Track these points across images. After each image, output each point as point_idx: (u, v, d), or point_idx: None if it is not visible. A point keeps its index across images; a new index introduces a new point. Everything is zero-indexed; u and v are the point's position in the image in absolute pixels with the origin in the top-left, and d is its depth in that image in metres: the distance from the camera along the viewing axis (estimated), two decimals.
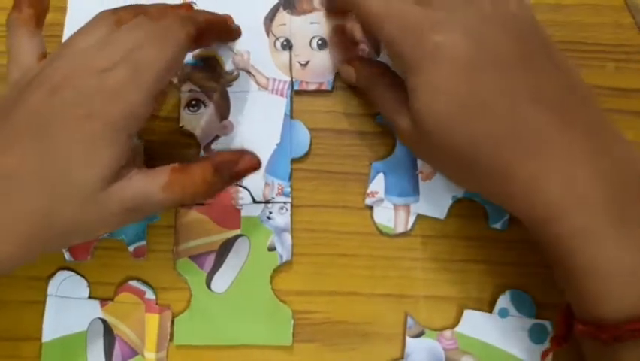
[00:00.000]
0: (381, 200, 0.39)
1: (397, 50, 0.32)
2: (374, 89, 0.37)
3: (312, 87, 0.40)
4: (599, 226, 0.29)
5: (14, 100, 0.31)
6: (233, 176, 0.33)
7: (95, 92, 0.30)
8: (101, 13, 0.34)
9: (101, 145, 0.30)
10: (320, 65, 0.40)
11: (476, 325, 0.37)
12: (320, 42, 0.40)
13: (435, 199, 0.39)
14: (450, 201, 0.38)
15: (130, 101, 0.30)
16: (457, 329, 0.37)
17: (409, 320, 0.37)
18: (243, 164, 0.33)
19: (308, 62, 0.40)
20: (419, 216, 0.38)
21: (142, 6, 0.34)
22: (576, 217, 0.29)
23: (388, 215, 0.39)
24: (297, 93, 0.40)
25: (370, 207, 0.39)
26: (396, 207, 0.39)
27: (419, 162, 0.39)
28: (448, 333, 0.37)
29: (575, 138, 0.30)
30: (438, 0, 0.32)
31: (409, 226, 0.38)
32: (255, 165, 0.34)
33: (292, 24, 0.40)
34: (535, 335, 0.37)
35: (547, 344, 0.36)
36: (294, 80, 0.40)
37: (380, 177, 0.39)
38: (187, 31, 0.32)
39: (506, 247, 0.38)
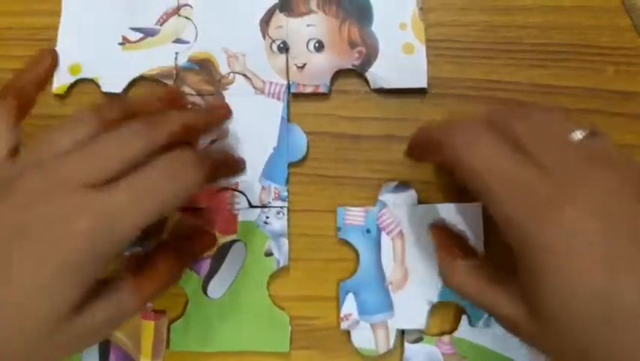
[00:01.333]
0: (357, 322, 0.37)
1: (513, 222, 0.27)
2: (453, 279, 0.32)
3: (309, 90, 0.39)
4: None
5: None
6: (194, 256, 0.34)
7: (79, 211, 0.25)
8: (81, 112, 0.30)
9: (74, 271, 0.25)
10: (317, 68, 0.39)
11: (474, 330, 0.36)
12: (317, 44, 0.39)
13: (411, 309, 0.37)
14: (427, 308, 0.36)
15: (117, 231, 0.26)
16: (455, 334, 0.36)
17: None
18: (201, 245, 0.34)
19: (305, 65, 0.39)
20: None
21: (126, 102, 0.31)
22: None
23: (368, 337, 0.37)
24: (293, 96, 0.39)
25: (347, 332, 0.37)
26: (373, 327, 0.37)
27: (386, 273, 0.37)
28: (446, 338, 0.36)
29: None
30: (552, 163, 0.27)
31: (391, 345, 0.36)
32: (212, 243, 0.36)
33: (289, 26, 0.40)
34: None
35: None
36: (290, 82, 0.39)
37: (350, 297, 0.37)
38: (205, 174, 0.29)
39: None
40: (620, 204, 0.26)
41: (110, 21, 0.40)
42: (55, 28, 0.40)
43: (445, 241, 0.35)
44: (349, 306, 0.37)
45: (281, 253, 0.37)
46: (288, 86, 0.39)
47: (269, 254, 0.37)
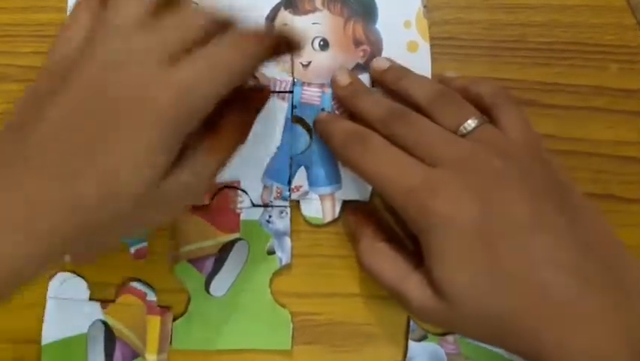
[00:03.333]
0: (306, 193, 0.37)
1: (405, 218, 0.30)
2: (368, 259, 0.34)
3: (314, 88, 0.38)
4: None
5: (63, 80, 0.27)
6: (258, 109, 0.34)
7: (160, 85, 0.26)
8: None
9: (157, 139, 0.26)
10: (322, 66, 0.38)
11: None
12: (322, 43, 0.39)
13: (357, 183, 0.37)
14: None
15: (196, 101, 0.27)
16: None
17: (412, 324, 0.36)
18: (258, 97, 0.34)
19: (310, 63, 0.38)
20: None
21: None
22: None
23: (315, 207, 0.37)
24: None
25: (297, 202, 0.38)
26: (321, 198, 0.38)
27: None
28: (450, 338, 0.36)
29: (597, 299, 0.28)
30: (435, 155, 0.30)
31: (337, 214, 0.37)
32: (267, 96, 0.35)
33: (294, 24, 0.39)
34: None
35: None
36: (295, 80, 0.38)
37: (302, 170, 0.38)
38: (267, 45, 0.29)
39: None
40: (497, 189, 0.29)
41: None
42: (62, 24, 0.38)
43: (362, 221, 0.36)
44: (300, 179, 0.37)
45: (284, 252, 0.37)
46: (293, 85, 0.38)
47: (271, 253, 0.37)
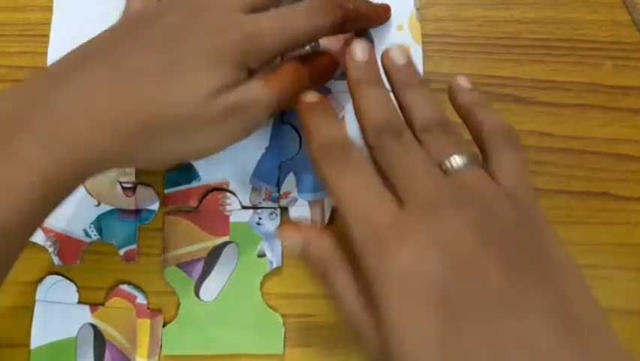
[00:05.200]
0: (295, 200, 0.37)
1: (358, 250, 0.26)
2: (330, 282, 0.28)
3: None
4: None
5: (150, 19, 0.31)
6: (317, 71, 0.34)
7: (234, 27, 0.30)
8: None
9: (223, 67, 0.30)
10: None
11: None
12: (313, 45, 0.37)
13: None
14: None
15: (260, 49, 0.30)
16: None
17: None
18: (321, 61, 0.34)
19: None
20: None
21: None
22: None
23: (304, 213, 0.37)
24: None
25: (285, 209, 0.37)
26: (310, 204, 0.37)
27: None
28: None
29: None
30: (412, 193, 0.27)
31: (326, 221, 0.37)
32: (333, 64, 0.35)
33: None
34: None
35: None
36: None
37: (290, 176, 0.37)
38: (334, 21, 0.32)
39: None
40: (472, 251, 0.25)
41: (104, 20, 0.37)
42: (49, 23, 0.38)
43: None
44: (289, 185, 0.37)
45: (274, 255, 0.36)
46: None
47: (262, 256, 0.36)
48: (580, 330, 0.24)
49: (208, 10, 0.30)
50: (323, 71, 0.34)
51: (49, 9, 0.38)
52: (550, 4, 0.39)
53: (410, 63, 0.32)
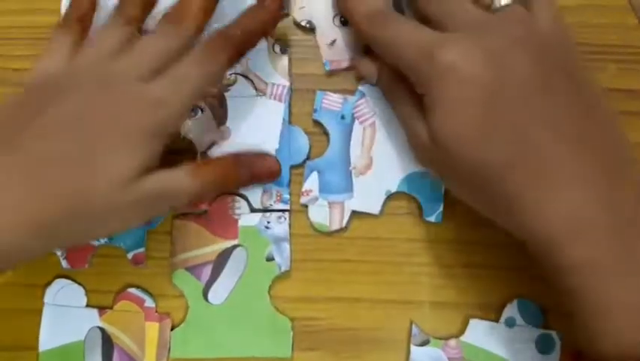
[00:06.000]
0: (316, 198, 0.36)
1: (414, 74, 0.31)
2: (394, 91, 0.35)
3: (345, 65, 0.37)
4: (602, 259, 0.27)
5: (54, 95, 0.30)
6: (253, 175, 0.34)
7: (138, 99, 0.30)
8: (111, 20, 0.34)
9: (138, 143, 0.30)
10: (346, 42, 0.37)
11: (482, 334, 0.34)
12: (342, 19, 0.37)
13: (368, 195, 0.37)
14: (383, 196, 0.36)
15: (167, 113, 0.31)
16: (462, 338, 0.35)
17: (414, 328, 0.35)
18: (261, 164, 0.34)
19: (334, 41, 0.37)
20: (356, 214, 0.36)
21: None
22: (579, 248, 0.27)
23: (323, 213, 0.36)
24: (330, 75, 0.38)
25: (306, 206, 0.36)
26: (330, 205, 0.36)
27: (352, 158, 0.37)
28: (453, 342, 0.34)
29: (587, 167, 0.28)
30: (455, 22, 0.31)
31: (344, 223, 0.36)
32: (274, 171, 0.35)
33: (312, 6, 0.38)
34: (542, 345, 0.34)
35: (554, 355, 0.34)
36: (325, 60, 0.37)
37: (314, 175, 0.37)
38: (228, 56, 0.32)
39: (511, 252, 0.35)
40: (509, 51, 0.29)
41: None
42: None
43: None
44: (311, 183, 0.37)
45: (282, 259, 0.35)
46: (291, 87, 0.37)
47: (270, 259, 0.35)
48: (596, 115, 0.29)
49: (113, 85, 0.31)
50: (261, 175, 0.34)
51: (57, 13, 0.38)
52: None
53: None
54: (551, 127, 0.28)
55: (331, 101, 0.37)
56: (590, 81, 0.30)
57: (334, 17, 0.38)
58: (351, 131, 0.37)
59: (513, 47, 0.29)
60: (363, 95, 0.37)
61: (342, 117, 0.37)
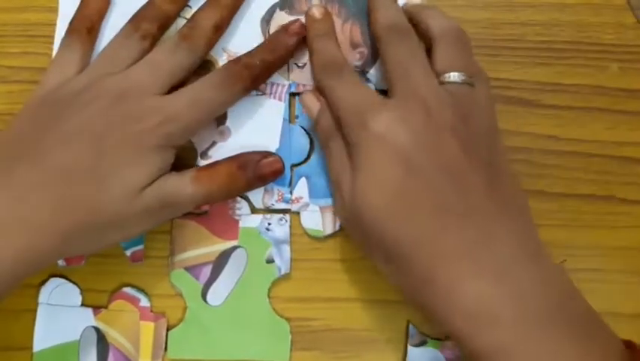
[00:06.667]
0: (307, 205, 0.36)
1: (348, 132, 0.32)
2: (330, 137, 0.34)
3: (310, 89, 0.37)
4: (513, 344, 0.26)
5: (68, 108, 0.32)
6: (257, 176, 0.33)
7: (152, 113, 0.31)
8: (125, 31, 0.35)
9: (150, 154, 0.31)
10: None
11: None
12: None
13: None
14: None
15: (181, 128, 0.32)
16: None
17: (411, 329, 0.34)
18: (266, 164, 0.34)
19: (305, 64, 0.37)
20: None
21: (158, 9, 0.36)
22: (490, 334, 0.27)
23: (316, 219, 0.36)
24: (293, 96, 0.37)
25: (297, 214, 0.36)
26: (322, 210, 0.36)
27: None
28: (450, 343, 0.34)
29: (498, 251, 0.28)
30: (404, 90, 0.31)
31: (337, 227, 0.36)
32: (278, 169, 0.34)
33: None
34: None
35: None
36: (291, 82, 0.37)
37: (302, 181, 0.36)
38: (244, 86, 0.34)
39: None
40: (437, 126, 0.30)
41: (108, 21, 0.37)
42: (51, 24, 0.38)
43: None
44: (301, 189, 0.36)
45: (282, 261, 0.35)
46: (290, 87, 0.37)
47: (270, 261, 0.35)
48: (505, 197, 0.29)
49: (128, 98, 0.32)
50: (267, 176, 0.34)
51: (51, 9, 0.38)
52: (555, 7, 0.39)
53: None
54: (464, 215, 0.28)
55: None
56: (508, 169, 0.31)
57: None
58: None
59: (444, 131, 0.30)
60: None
61: None
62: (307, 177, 0.36)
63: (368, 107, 0.31)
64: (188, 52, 0.34)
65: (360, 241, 0.32)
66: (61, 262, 0.35)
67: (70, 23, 0.36)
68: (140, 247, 0.35)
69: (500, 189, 0.30)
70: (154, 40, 0.35)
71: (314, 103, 0.35)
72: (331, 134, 0.34)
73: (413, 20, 0.35)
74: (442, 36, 0.33)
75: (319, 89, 0.35)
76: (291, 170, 0.36)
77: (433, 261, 0.28)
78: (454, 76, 0.31)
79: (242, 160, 0.33)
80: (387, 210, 0.29)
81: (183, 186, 0.32)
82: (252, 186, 0.34)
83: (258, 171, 0.33)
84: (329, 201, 0.36)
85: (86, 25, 0.36)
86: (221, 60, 0.37)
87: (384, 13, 0.35)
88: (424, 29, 0.34)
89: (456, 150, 0.29)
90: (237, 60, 0.34)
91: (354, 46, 0.37)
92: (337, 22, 0.37)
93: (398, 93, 0.31)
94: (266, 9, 0.38)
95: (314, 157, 0.37)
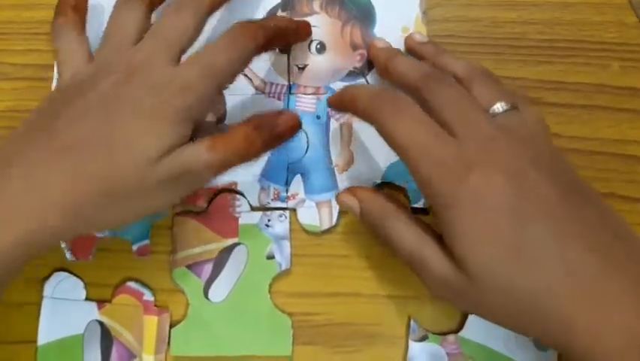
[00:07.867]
0: (303, 200, 0.36)
1: (424, 187, 0.29)
2: (390, 226, 0.31)
3: (309, 91, 0.37)
4: None
5: (84, 86, 0.31)
6: (274, 135, 0.32)
7: (166, 84, 0.30)
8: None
9: (165, 125, 0.30)
10: (318, 69, 0.37)
11: (480, 330, 0.34)
12: (319, 46, 0.37)
13: None
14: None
15: (196, 97, 0.31)
16: (461, 333, 0.34)
17: (413, 324, 0.34)
18: (282, 121, 0.32)
19: (306, 66, 0.37)
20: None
21: None
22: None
23: (312, 214, 0.36)
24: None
25: (293, 210, 0.36)
26: (318, 205, 0.36)
27: (332, 155, 0.37)
28: (451, 338, 0.34)
29: (626, 282, 0.26)
30: (467, 132, 0.29)
31: (334, 221, 0.36)
32: (295, 125, 0.33)
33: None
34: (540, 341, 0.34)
35: (551, 351, 0.34)
36: (291, 83, 0.37)
37: (297, 178, 0.36)
38: (257, 43, 0.32)
39: None
40: (521, 165, 0.28)
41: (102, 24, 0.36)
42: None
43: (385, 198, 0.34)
44: (296, 186, 0.36)
45: (283, 257, 0.35)
46: (289, 86, 0.37)
47: (271, 257, 0.35)
48: (619, 234, 0.28)
49: (140, 71, 0.31)
50: (282, 132, 0.33)
51: (54, 7, 0.37)
52: (557, 5, 0.38)
53: (431, 40, 0.37)
54: (586, 247, 0.27)
55: (305, 103, 0.37)
56: (596, 194, 0.30)
57: (311, 43, 0.38)
58: (328, 129, 0.37)
59: (529, 169, 0.28)
60: (333, 91, 0.37)
61: (318, 117, 0.37)
62: (302, 174, 0.36)
63: (454, 161, 0.28)
64: (193, 13, 0.32)
65: (478, 306, 0.29)
66: (69, 256, 0.35)
67: (58, 6, 0.35)
68: (146, 241, 0.36)
69: (602, 211, 0.29)
70: (154, 7, 0.34)
71: (352, 200, 0.33)
72: (386, 214, 0.32)
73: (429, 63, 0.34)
74: (470, 75, 0.32)
75: (376, 129, 0.31)
76: (288, 169, 0.36)
77: (573, 304, 0.26)
78: (499, 107, 0.30)
79: (257, 121, 0.32)
80: (510, 265, 0.27)
81: (199, 153, 0.31)
82: (269, 146, 0.33)
83: (275, 130, 0.32)
84: (325, 197, 0.36)
85: (70, 4, 0.35)
86: None
87: (403, 62, 0.34)
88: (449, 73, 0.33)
89: (546, 180, 0.28)
90: (249, 21, 0.33)
91: (354, 48, 0.37)
92: (338, 24, 0.37)
93: (464, 135, 0.29)
94: (267, 10, 0.38)
95: (309, 153, 0.37)
